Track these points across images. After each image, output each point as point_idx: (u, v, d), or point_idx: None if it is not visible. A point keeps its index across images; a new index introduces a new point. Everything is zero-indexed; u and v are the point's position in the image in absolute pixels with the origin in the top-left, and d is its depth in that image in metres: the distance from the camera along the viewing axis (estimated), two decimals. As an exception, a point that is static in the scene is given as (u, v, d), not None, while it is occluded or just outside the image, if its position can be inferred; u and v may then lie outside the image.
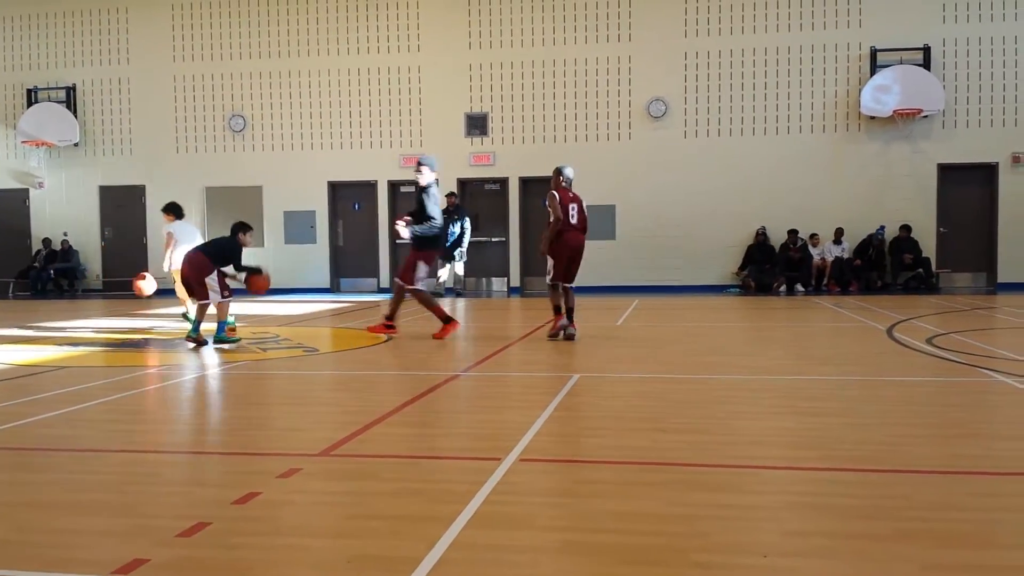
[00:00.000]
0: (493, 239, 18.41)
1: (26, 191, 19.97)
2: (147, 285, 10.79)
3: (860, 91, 16.61)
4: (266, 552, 3.05)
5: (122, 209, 19.62)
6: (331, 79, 18.67)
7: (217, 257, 9.06)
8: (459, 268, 16.85)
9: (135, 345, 9.58)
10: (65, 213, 19.76)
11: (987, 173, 16.65)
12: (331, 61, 18.65)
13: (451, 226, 16.43)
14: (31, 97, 19.70)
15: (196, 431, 5.29)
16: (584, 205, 9.40)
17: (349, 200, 19.01)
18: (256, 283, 9.25)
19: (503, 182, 18.22)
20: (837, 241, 16.87)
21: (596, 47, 17.73)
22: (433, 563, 2.89)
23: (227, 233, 9.27)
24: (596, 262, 17.90)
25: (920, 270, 16.44)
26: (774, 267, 16.74)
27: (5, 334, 10.73)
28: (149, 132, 19.43)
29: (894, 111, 16.33)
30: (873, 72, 16.63)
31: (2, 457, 4.57)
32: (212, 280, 8.91)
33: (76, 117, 19.43)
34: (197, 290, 8.94)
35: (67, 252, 19.66)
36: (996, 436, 4.84)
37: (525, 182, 18.05)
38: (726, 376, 6.93)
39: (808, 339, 9.65)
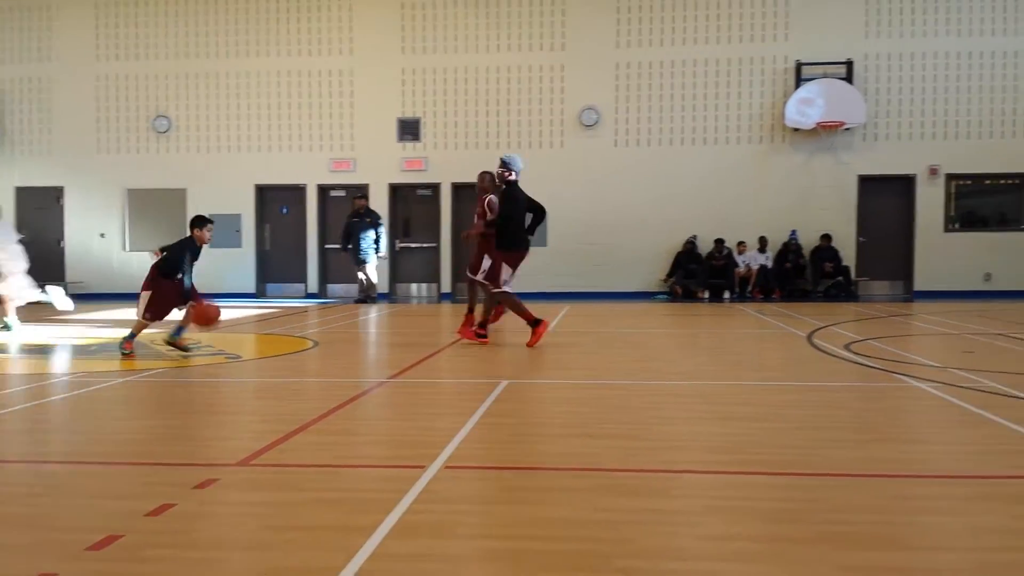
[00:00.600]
0: (425, 245, 18.30)
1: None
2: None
3: (785, 104, 17.02)
4: (179, 565, 2.95)
5: (40, 211, 18.93)
6: (261, 81, 18.34)
7: (166, 265, 8.41)
8: (372, 273, 16.59)
9: (47, 352, 9.21)
10: (-23, 214, 18.96)
11: (905, 184, 17.21)
12: (261, 63, 18.33)
13: (362, 231, 16.26)
14: (-57, 94, 18.90)
15: (109, 441, 5.10)
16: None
17: (277, 204, 18.69)
18: (199, 314, 8.29)
19: (435, 188, 18.14)
20: (762, 249, 17.24)
21: (530, 55, 17.80)
22: (351, 575, 2.83)
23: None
24: (527, 269, 17.93)
25: (840, 278, 16.91)
26: (700, 275, 17.02)
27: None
28: (69, 132, 18.80)
29: (817, 123, 16.78)
30: (798, 85, 17.05)
31: None
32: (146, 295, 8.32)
33: (-9, 115, 18.71)
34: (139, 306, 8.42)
35: (-21, 255, 18.86)
36: (910, 440, 4.97)
37: (458, 188, 18.00)
38: (653, 382, 7.00)
39: (732, 345, 9.81)
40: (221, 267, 18.35)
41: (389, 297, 17.94)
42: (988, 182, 17.32)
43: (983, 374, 6.97)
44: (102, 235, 18.80)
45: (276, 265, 18.72)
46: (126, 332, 8.69)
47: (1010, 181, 17.20)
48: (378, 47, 18.09)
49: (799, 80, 17.08)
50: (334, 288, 18.56)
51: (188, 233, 8.62)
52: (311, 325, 12.19)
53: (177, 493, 3.75)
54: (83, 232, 18.86)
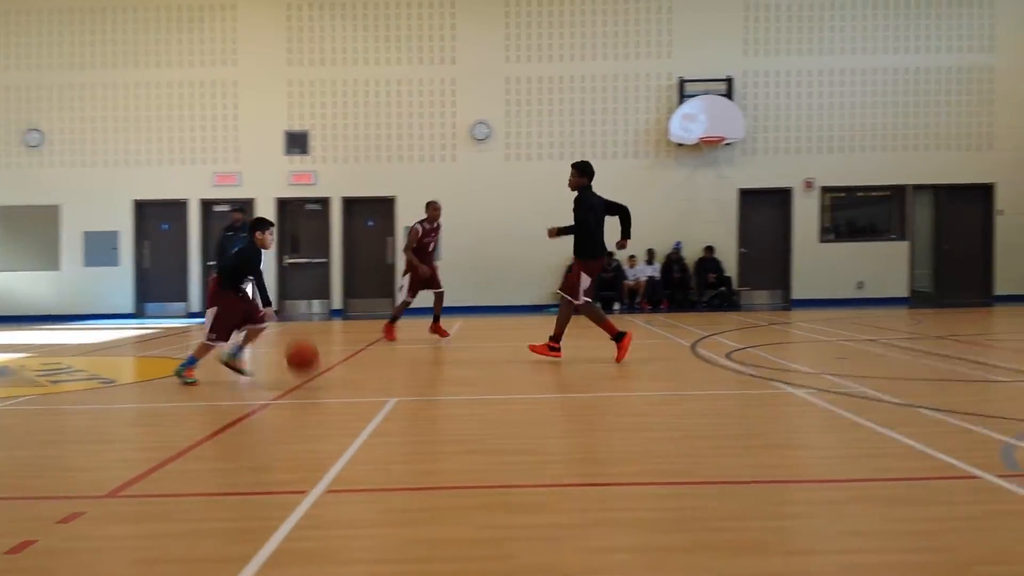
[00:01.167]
0: (315, 260, 17.96)
1: None
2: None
3: (669, 119, 17.50)
4: (33, 609, 2.76)
5: None
6: (140, 93, 17.68)
7: (230, 274, 7.74)
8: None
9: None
10: None
11: (783, 197, 17.94)
12: (141, 74, 17.67)
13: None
14: None
15: (-34, 475, 4.77)
16: None
17: (157, 220, 18.01)
18: (299, 355, 7.28)
19: (325, 202, 17.84)
20: (649, 261, 17.65)
21: (420, 68, 17.76)
22: (223, 609, 2.71)
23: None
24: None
25: (723, 288, 17.47)
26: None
27: None
28: (-72, 145, 17.66)
29: (700, 139, 17.32)
30: (681, 101, 17.57)
31: None
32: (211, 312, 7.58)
33: None
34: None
35: None
36: (786, 445, 5.14)
37: (348, 202, 17.76)
38: (542, 395, 7.03)
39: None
40: (96, 287, 17.60)
41: (277, 315, 17.51)
42: (860, 194, 18.24)
43: (854, 379, 7.29)
44: (-33, 254, 17.72)
45: (156, 284, 18.02)
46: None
47: (880, 193, 18.15)
48: (263, 58, 17.70)
49: (682, 96, 17.60)
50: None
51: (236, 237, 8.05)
52: (194, 346, 11.75)
53: (39, 528, 3.53)
54: (-55, 251, 17.72)
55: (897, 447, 4.87)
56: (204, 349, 7.72)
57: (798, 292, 17.77)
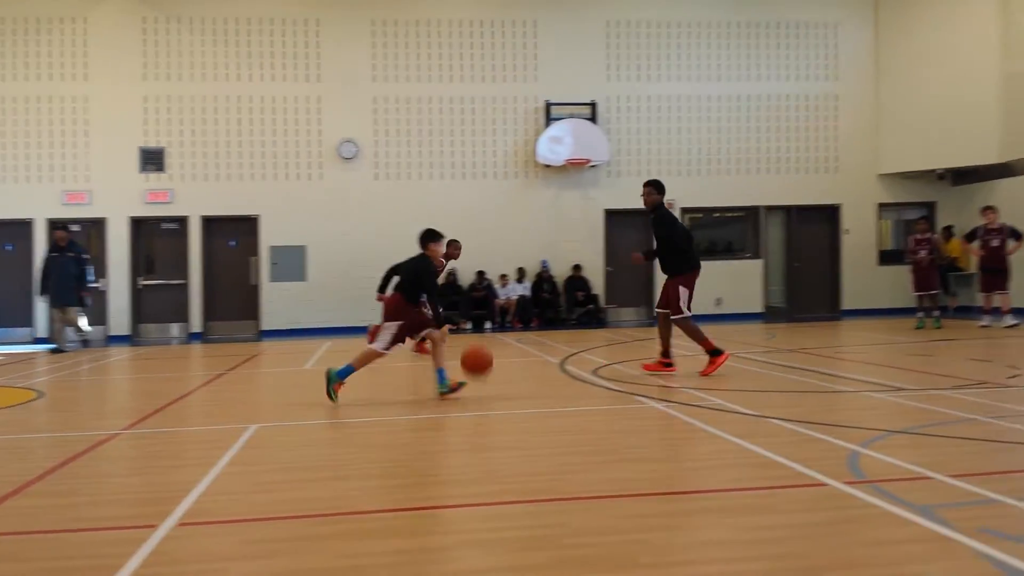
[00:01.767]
0: (172, 282, 17.20)
1: None
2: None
3: (537, 141, 17.78)
4: None
5: None
6: (-23, 105, 16.55)
7: (411, 288, 7.66)
8: (79, 317, 14.85)
9: None
10: None
11: (646, 217, 18.44)
12: (-23, 85, 16.55)
13: (63, 268, 14.33)
14: None
15: None
16: None
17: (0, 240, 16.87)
18: (475, 360, 7.55)
19: (182, 221, 17.14)
20: (520, 280, 17.84)
21: (284, 86, 17.38)
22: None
23: None
24: (286, 304, 17.46)
25: (591, 306, 17.83)
26: (462, 306, 17.31)
27: None
28: None
29: (567, 160, 17.67)
30: (548, 124, 17.89)
31: None
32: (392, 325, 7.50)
33: None
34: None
35: None
36: (648, 459, 5.26)
37: (208, 221, 17.13)
38: (406, 416, 6.95)
39: (491, 374, 9.98)
40: (-70, 312, 16.31)
41: (131, 339, 16.69)
42: (717, 215, 19.03)
43: (713, 392, 7.56)
44: None
45: (-2, 308, 16.82)
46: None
47: (736, 213, 18.98)
48: (117, 72, 16.90)
49: (549, 119, 17.93)
50: (68, 332, 16.97)
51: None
52: (38, 374, 11.04)
53: None
54: None
55: (752, 457, 5.07)
56: (371, 358, 7.58)
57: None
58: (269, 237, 17.17)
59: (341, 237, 17.24)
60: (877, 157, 18.99)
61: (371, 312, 17.36)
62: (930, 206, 18.99)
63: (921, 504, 3.92)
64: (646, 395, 7.51)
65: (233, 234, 17.39)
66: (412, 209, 17.44)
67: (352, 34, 17.59)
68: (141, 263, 17.17)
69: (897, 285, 17.71)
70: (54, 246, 14.83)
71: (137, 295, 17.05)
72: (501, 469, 4.98)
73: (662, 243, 9.05)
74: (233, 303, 17.33)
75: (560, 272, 18.04)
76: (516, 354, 12.15)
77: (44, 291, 14.70)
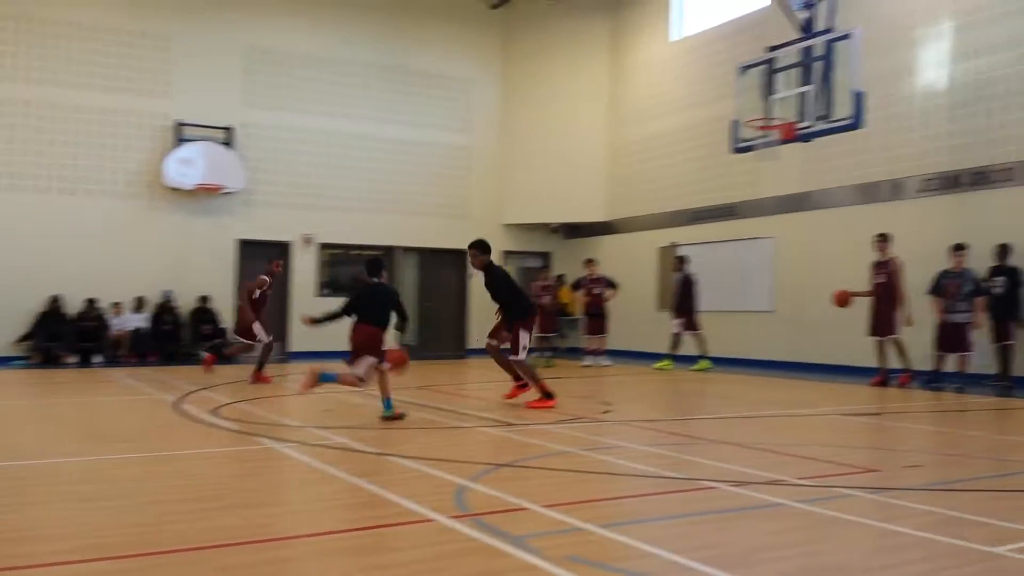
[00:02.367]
0: None
1: None
2: None
3: (164, 162, 16.61)
4: None
5: None
6: None
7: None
8: None
9: None
10: None
11: (283, 250, 18.04)
12: None
13: None
14: None
15: None
16: None
17: None
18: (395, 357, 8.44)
19: None
20: (138, 310, 16.42)
21: None
22: None
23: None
24: None
25: (219, 340, 16.90)
26: (67, 337, 15.50)
27: None
28: None
29: (197, 185, 16.70)
30: (178, 145, 16.80)
31: None
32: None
33: None
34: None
35: None
36: (257, 504, 4.98)
37: None
38: (-19, 465, 5.98)
39: (91, 415, 8.97)
40: None
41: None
42: (355, 252, 19.14)
43: (337, 431, 7.46)
44: None
45: None
46: None
47: (374, 252, 19.22)
48: None
49: (180, 140, 16.86)
50: None
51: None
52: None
53: None
54: None
55: (366, 496, 5.03)
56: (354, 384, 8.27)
57: (298, 345, 17.80)
58: None
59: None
60: (502, 208, 20.44)
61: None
62: (546, 256, 20.83)
63: (516, 535, 4.11)
64: (268, 436, 7.20)
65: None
66: (9, 225, 15.42)
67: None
68: None
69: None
70: None
71: None
72: (90, 522, 4.41)
73: (507, 298, 9.71)
74: None
75: (187, 303, 16.94)
76: (126, 392, 11.13)
77: None
